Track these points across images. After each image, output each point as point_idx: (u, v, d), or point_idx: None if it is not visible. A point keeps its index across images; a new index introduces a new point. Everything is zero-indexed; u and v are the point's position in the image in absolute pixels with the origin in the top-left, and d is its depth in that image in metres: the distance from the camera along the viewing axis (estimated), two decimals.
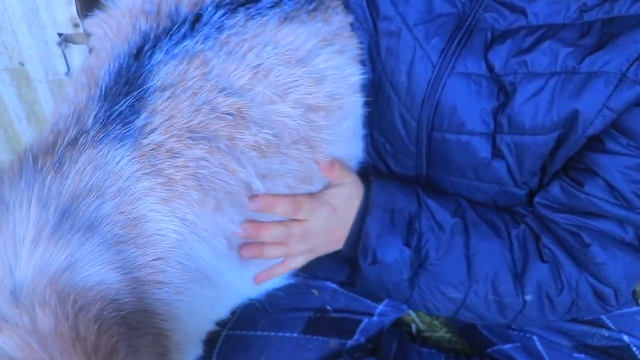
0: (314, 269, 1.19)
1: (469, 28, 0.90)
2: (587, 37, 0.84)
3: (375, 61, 0.99)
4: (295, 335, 1.10)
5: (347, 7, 0.98)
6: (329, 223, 0.97)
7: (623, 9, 0.83)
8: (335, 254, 1.04)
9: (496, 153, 0.94)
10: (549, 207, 0.95)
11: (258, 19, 0.85)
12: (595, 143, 0.88)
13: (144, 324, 0.76)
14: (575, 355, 1.09)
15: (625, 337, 1.07)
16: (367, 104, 1.04)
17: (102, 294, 0.71)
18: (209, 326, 0.95)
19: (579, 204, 0.91)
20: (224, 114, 0.80)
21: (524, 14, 0.88)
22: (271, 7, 0.88)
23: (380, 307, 1.22)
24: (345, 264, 1.09)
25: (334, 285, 1.19)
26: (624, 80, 0.81)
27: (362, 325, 1.18)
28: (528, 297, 0.94)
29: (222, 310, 0.99)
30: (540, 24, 0.87)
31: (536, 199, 0.97)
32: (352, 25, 0.98)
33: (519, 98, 0.87)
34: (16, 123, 1.43)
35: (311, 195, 0.94)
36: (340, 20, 0.95)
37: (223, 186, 0.82)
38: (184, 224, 0.80)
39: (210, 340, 1.08)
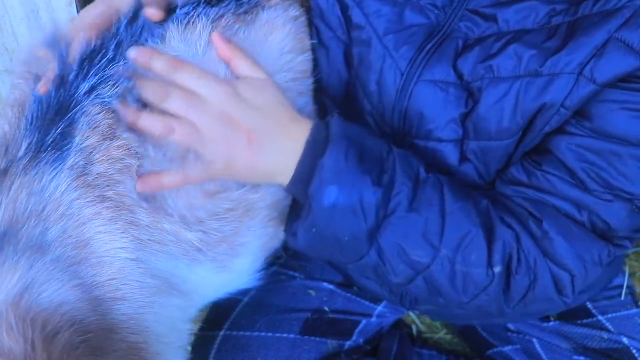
0: (310, 270, 1.20)
1: (441, 37, 0.90)
2: (552, 40, 0.83)
3: (349, 68, 1.00)
4: (292, 336, 1.10)
5: (321, 16, 0.99)
6: (226, 107, 0.78)
7: (587, 9, 0.82)
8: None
9: (463, 158, 0.93)
10: (506, 182, 0.92)
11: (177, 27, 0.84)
12: None
13: (110, 341, 0.75)
14: (575, 357, 1.08)
15: (625, 340, 1.07)
16: (342, 111, 1.03)
17: (68, 315, 0.70)
18: (185, 327, 0.94)
19: (536, 182, 0.88)
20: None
21: (496, 21, 0.88)
22: (188, 12, 0.85)
23: (379, 309, 1.21)
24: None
25: (331, 286, 1.19)
26: (580, 78, 0.80)
27: (360, 327, 1.18)
28: (497, 269, 0.86)
29: (193, 311, 0.98)
30: (510, 30, 0.87)
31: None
32: (296, 19, 0.96)
33: (483, 103, 0.87)
34: None
35: (212, 76, 0.80)
36: (266, 16, 0.93)
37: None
38: (134, 242, 0.79)
39: (208, 341, 1.09)
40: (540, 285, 0.86)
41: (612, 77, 0.79)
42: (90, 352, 0.71)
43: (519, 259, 0.86)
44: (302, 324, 1.12)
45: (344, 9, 0.97)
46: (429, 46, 0.90)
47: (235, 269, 0.95)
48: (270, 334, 1.09)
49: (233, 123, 0.79)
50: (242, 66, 0.83)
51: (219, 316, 1.13)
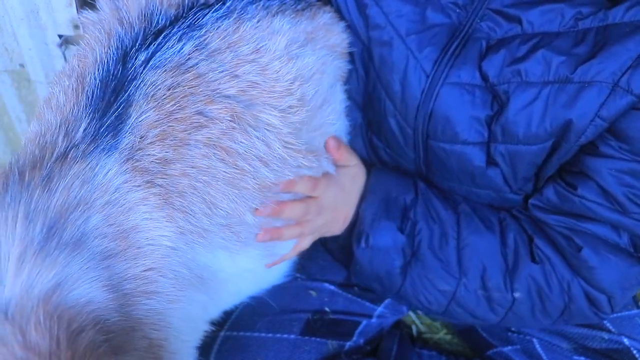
0: (311, 271, 1.19)
1: (464, 37, 0.90)
2: (581, 46, 0.83)
3: (368, 68, 0.99)
4: (292, 337, 1.10)
5: (339, 13, 0.99)
6: (337, 201, 1.01)
7: (617, 16, 0.82)
8: (332, 256, 1.04)
9: (490, 161, 0.93)
10: (542, 209, 0.94)
11: (244, 16, 0.84)
12: (589, 146, 0.87)
13: (132, 339, 0.74)
14: (575, 358, 1.08)
15: (626, 340, 1.07)
16: (362, 110, 1.05)
17: (93, 314, 0.70)
18: (203, 328, 0.94)
19: (572, 207, 0.90)
20: (216, 118, 0.79)
21: (519, 22, 0.87)
22: (251, 2, 0.86)
23: (379, 309, 1.21)
24: (342, 266, 1.10)
25: (332, 287, 1.19)
26: (616, 89, 0.80)
27: (360, 327, 1.18)
28: (517, 294, 0.95)
29: (215, 311, 0.98)
30: (535, 32, 0.86)
31: (530, 201, 0.96)
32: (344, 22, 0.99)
33: (512, 107, 0.87)
34: (16, 125, 1.43)
35: (324, 174, 0.98)
36: (327, 17, 0.96)
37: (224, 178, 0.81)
38: (180, 229, 0.78)
39: (208, 342, 1.08)
40: (576, 305, 0.94)
41: None
42: (112, 352, 0.71)
43: (550, 285, 0.93)
44: (303, 325, 1.12)
45: (362, 8, 0.96)
46: (453, 47, 0.90)
47: (278, 255, 0.99)
48: (270, 335, 1.09)
49: (336, 210, 1.03)
50: (344, 160, 1.01)
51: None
